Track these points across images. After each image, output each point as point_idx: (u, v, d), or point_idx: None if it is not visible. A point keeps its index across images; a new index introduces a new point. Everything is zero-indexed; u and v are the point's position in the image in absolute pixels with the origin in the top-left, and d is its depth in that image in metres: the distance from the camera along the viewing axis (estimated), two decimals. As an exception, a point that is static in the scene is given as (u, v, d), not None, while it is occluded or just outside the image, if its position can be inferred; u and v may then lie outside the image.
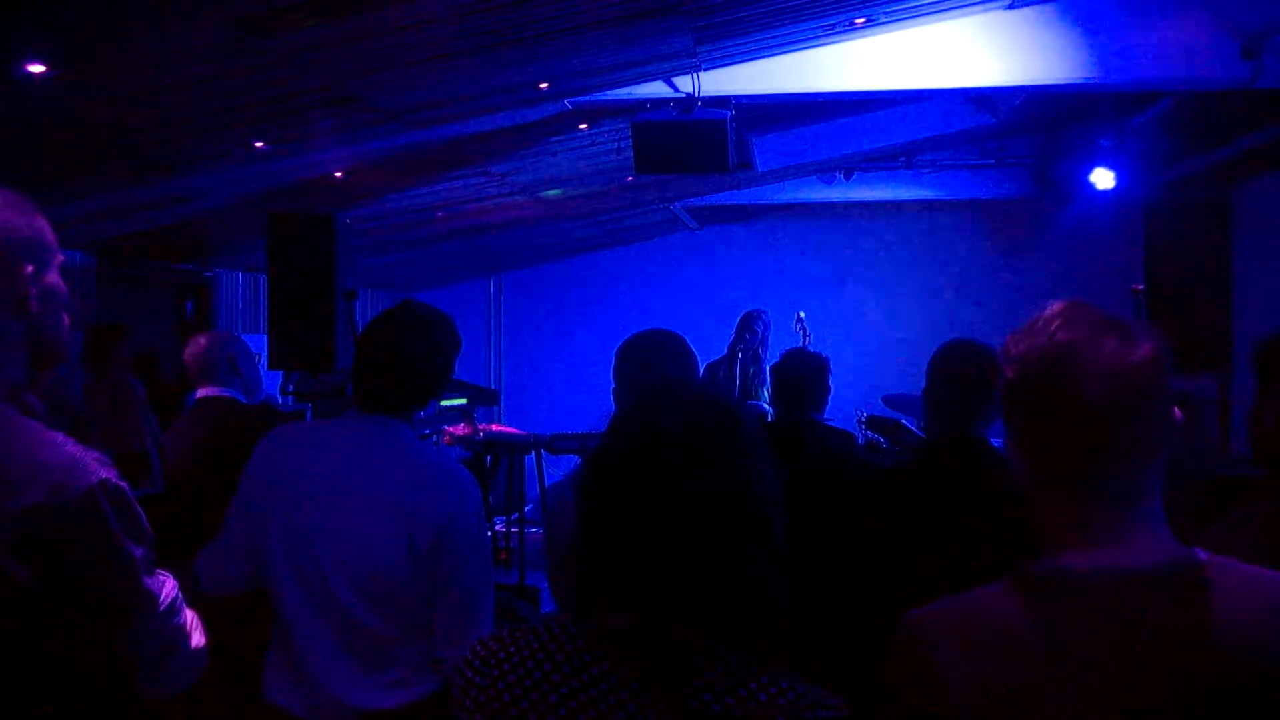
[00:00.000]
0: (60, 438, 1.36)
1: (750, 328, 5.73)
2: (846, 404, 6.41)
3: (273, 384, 5.51)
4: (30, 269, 1.38)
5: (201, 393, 3.24)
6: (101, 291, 5.49)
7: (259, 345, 4.71)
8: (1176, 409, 1.14)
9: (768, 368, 5.07)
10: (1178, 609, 1.07)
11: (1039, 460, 1.15)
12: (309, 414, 5.31)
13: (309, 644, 2.03)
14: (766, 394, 5.48)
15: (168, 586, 1.48)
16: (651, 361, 2.08)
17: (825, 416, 3.47)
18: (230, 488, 2.16)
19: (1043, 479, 1.15)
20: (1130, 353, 1.10)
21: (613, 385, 2.11)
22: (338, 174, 4.98)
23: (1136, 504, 1.12)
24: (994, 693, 1.06)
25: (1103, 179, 6.85)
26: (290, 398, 5.54)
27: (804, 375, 3.30)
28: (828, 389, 3.33)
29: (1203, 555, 1.11)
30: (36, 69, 2.89)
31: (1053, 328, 1.13)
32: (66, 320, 1.47)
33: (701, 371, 5.92)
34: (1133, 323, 1.14)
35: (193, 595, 1.69)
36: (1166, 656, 1.05)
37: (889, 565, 2.44)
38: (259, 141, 4.13)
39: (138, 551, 1.39)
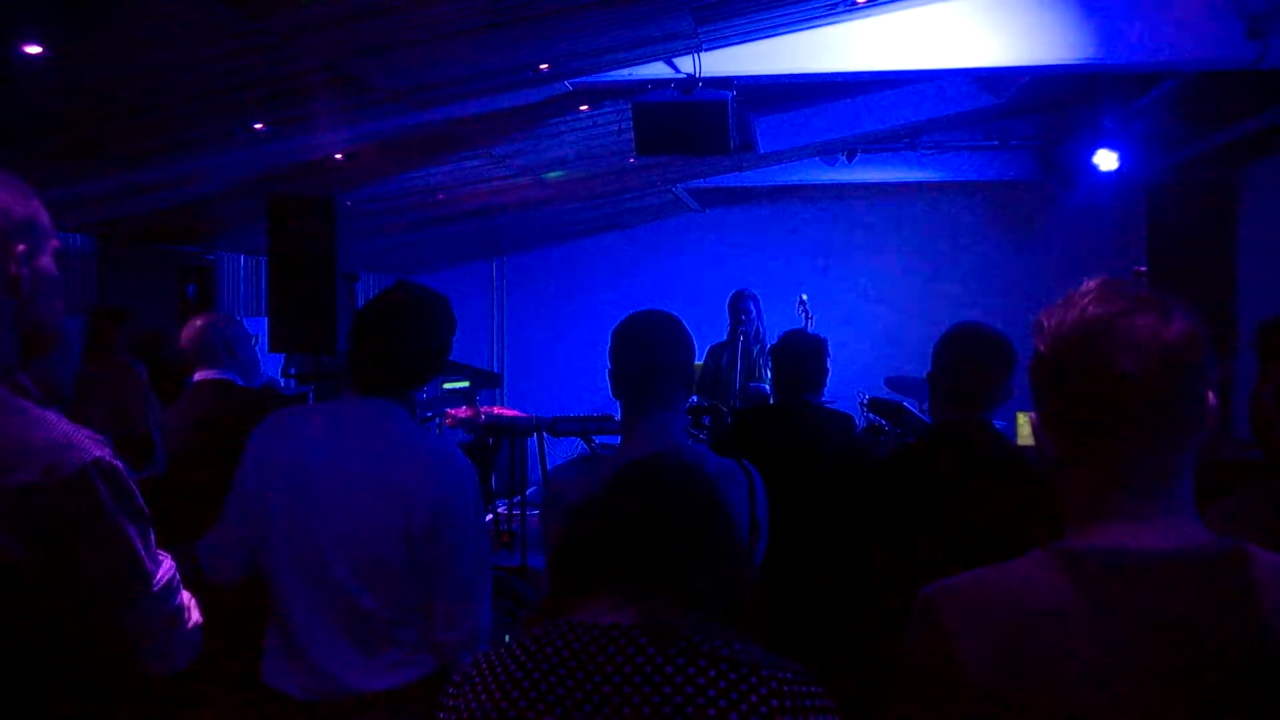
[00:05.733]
0: (54, 416, 1.36)
1: (743, 309, 5.72)
2: (849, 386, 6.40)
3: (276, 366, 5.52)
4: (23, 248, 1.38)
5: (199, 376, 3.24)
6: (103, 274, 5.49)
7: (262, 328, 4.71)
8: (1211, 393, 1.11)
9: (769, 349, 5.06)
10: (1220, 592, 1.05)
11: (1067, 436, 1.13)
12: (311, 396, 5.32)
13: (307, 627, 2.04)
14: (770, 375, 5.47)
15: (165, 566, 1.49)
16: (648, 344, 2.06)
17: (827, 398, 3.45)
18: (227, 472, 2.15)
19: (1071, 456, 1.13)
20: (1165, 329, 1.08)
21: (609, 367, 2.10)
22: (338, 156, 4.96)
23: (1167, 485, 1.10)
24: (1015, 670, 1.05)
25: (1106, 160, 6.81)
26: (293, 380, 5.56)
27: (801, 356, 3.27)
28: (825, 370, 3.31)
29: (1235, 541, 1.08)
30: (33, 50, 2.88)
31: (1086, 302, 1.11)
32: (60, 306, 1.47)
33: (704, 356, 5.95)
34: (1170, 300, 1.11)
35: (192, 578, 1.70)
36: (1207, 640, 1.03)
37: (891, 548, 2.43)
38: (259, 123, 4.11)
39: (133, 530, 1.40)
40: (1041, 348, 1.14)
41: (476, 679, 1.23)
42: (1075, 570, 1.08)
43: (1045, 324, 1.14)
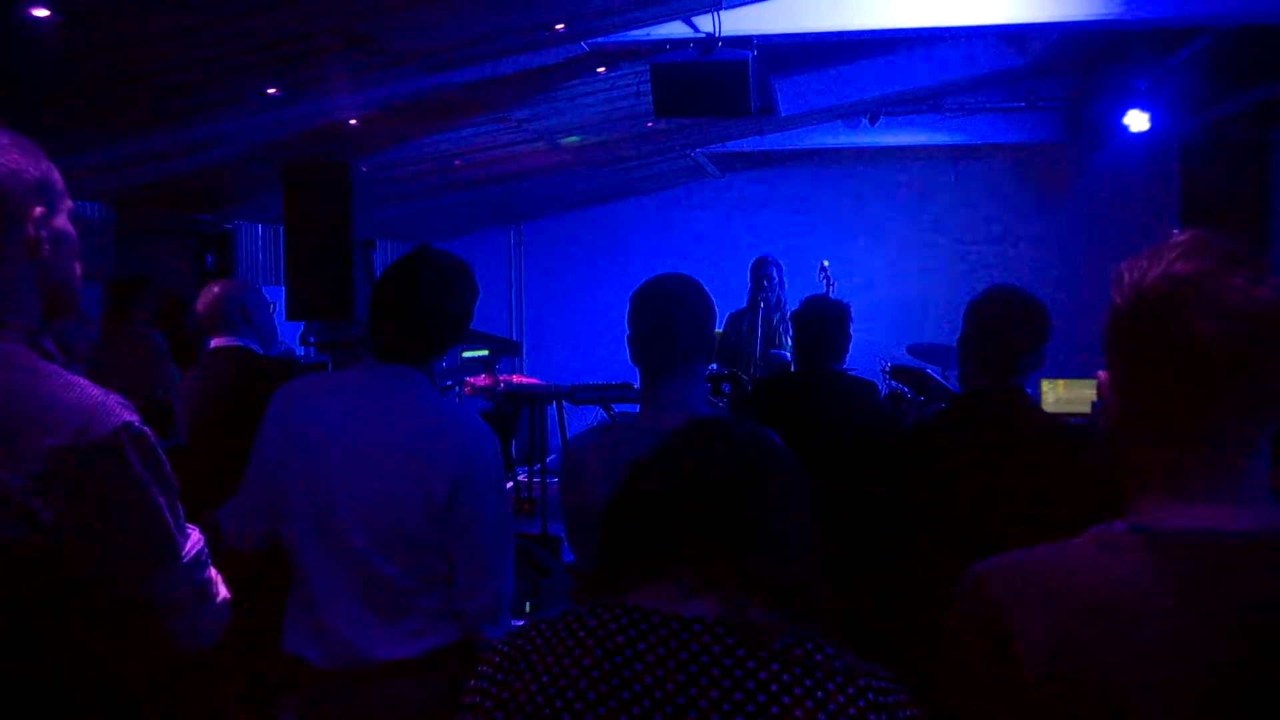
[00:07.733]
0: (83, 381, 1.35)
1: (766, 274, 5.66)
2: (871, 353, 6.33)
3: (295, 334, 5.52)
4: (40, 211, 1.36)
5: (215, 343, 3.21)
6: (121, 243, 5.48)
7: (280, 297, 4.69)
8: None
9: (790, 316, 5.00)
10: None
11: (1135, 402, 1.03)
12: (329, 364, 5.31)
13: (327, 595, 2.02)
14: (790, 342, 5.42)
15: (193, 539, 1.48)
16: (667, 308, 2.02)
17: (849, 366, 3.40)
18: (244, 440, 2.13)
19: (1136, 424, 1.04)
20: (1258, 291, 0.98)
21: (628, 333, 2.06)
22: (353, 121, 4.91)
23: (1245, 463, 1.01)
24: (1078, 655, 0.97)
25: (1137, 121, 6.66)
26: (311, 348, 5.55)
27: (823, 323, 3.22)
28: (847, 337, 3.26)
29: None
30: (40, 13, 2.83)
31: (1174, 255, 1.01)
32: (78, 267, 1.45)
33: (724, 322, 5.89)
34: (1265, 260, 1.01)
35: (213, 546, 1.68)
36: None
37: (920, 519, 2.38)
38: (272, 87, 4.07)
39: (162, 499, 1.39)
40: (1119, 300, 1.03)
41: (534, 658, 1.13)
42: (1146, 551, 1.00)
43: (1126, 276, 1.04)
